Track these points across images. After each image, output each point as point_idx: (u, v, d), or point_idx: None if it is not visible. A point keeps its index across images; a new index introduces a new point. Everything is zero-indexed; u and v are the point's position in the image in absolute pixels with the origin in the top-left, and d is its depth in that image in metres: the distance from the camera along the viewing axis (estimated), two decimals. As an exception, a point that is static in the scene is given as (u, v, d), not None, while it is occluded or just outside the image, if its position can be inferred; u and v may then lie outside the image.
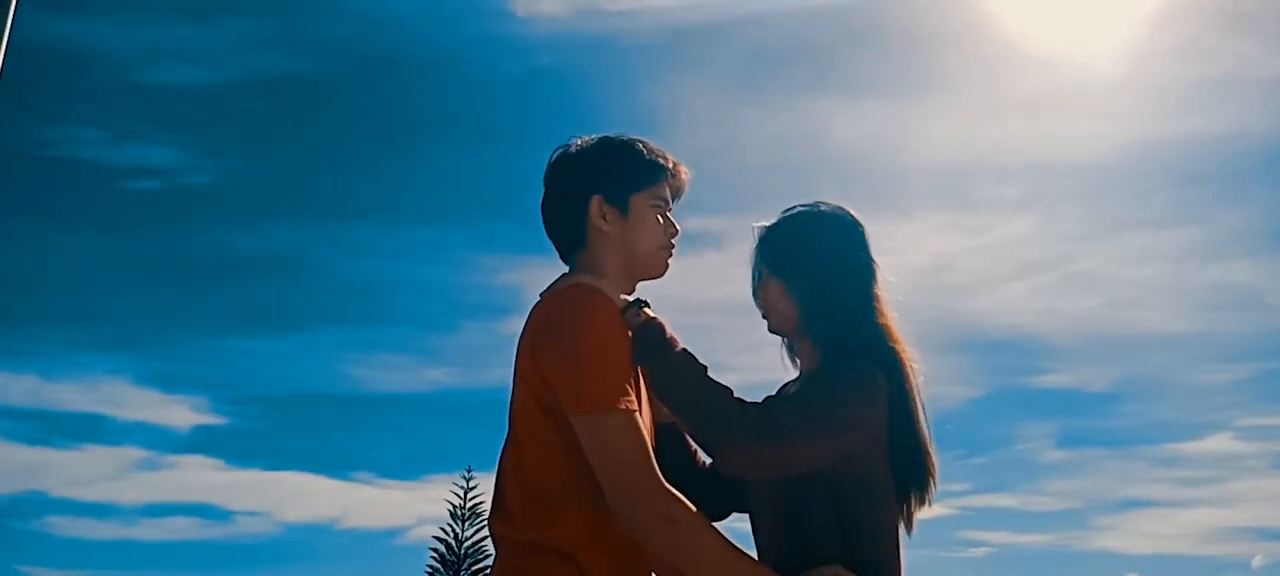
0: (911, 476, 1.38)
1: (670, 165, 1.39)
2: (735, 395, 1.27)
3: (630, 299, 1.36)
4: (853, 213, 1.45)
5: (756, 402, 1.29)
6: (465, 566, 20.09)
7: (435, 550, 20.22)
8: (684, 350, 1.29)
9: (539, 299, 1.35)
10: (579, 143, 1.40)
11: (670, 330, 1.31)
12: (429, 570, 20.15)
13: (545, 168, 1.40)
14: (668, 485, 1.22)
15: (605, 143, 1.38)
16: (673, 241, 1.39)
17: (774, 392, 1.41)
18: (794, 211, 1.45)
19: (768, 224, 1.46)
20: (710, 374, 1.28)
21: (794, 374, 1.47)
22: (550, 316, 1.29)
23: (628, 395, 1.24)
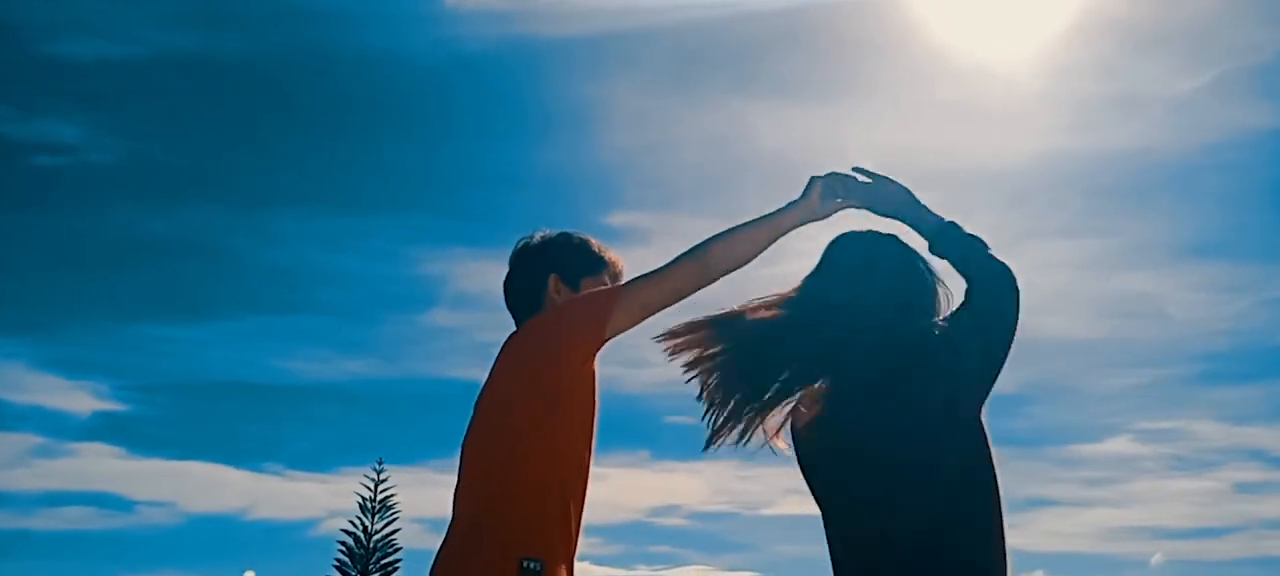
0: None
1: (610, 259, 1.70)
2: None
3: None
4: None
5: None
6: (374, 560, 19.64)
7: (343, 543, 19.73)
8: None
9: (511, 336, 1.60)
10: (542, 234, 1.70)
11: None
12: (337, 563, 19.70)
13: (513, 250, 1.70)
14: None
15: (566, 236, 1.70)
16: None
17: None
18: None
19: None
20: None
21: None
22: (535, 323, 1.59)
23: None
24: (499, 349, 1.58)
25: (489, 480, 1.49)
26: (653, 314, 1.52)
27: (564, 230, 1.72)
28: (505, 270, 1.71)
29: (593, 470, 1.61)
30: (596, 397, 1.55)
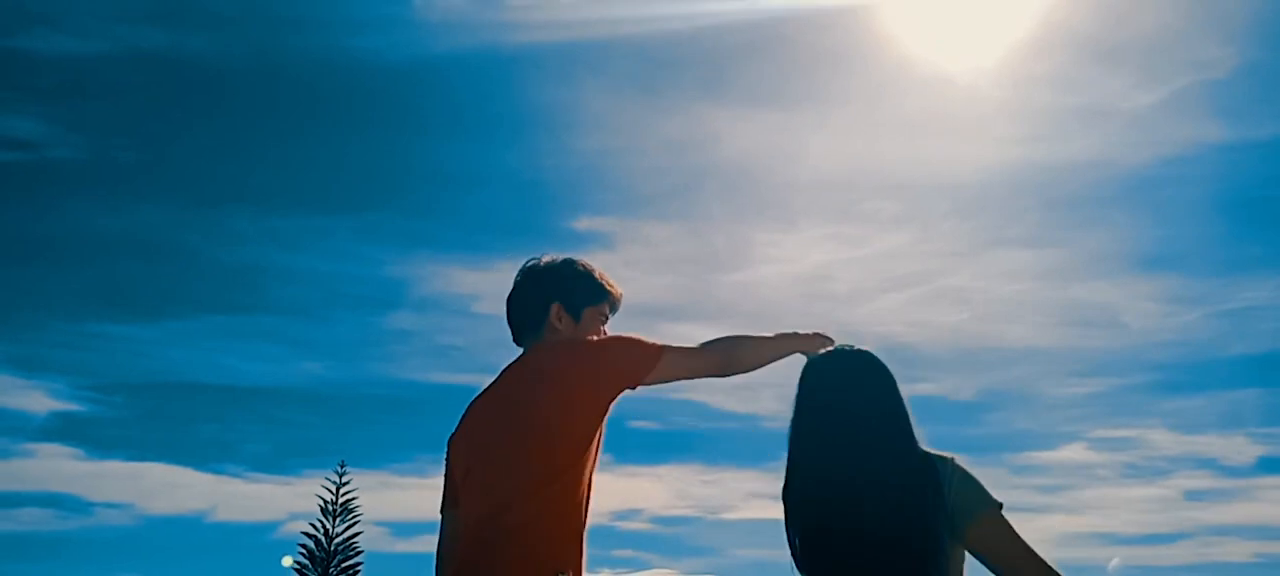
0: None
1: (613, 290, 1.76)
2: None
3: None
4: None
5: None
6: (334, 563, 19.53)
7: (304, 546, 19.64)
8: None
9: (538, 354, 1.66)
10: (548, 259, 1.75)
11: None
12: (298, 567, 19.53)
13: (519, 270, 1.75)
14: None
15: (570, 264, 1.74)
16: None
17: None
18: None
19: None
20: None
21: None
22: (578, 351, 1.63)
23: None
24: (517, 363, 1.65)
25: (529, 494, 1.52)
26: (675, 380, 1.63)
27: (569, 257, 1.75)
28: (508, 286, 1.74)
29: None
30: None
